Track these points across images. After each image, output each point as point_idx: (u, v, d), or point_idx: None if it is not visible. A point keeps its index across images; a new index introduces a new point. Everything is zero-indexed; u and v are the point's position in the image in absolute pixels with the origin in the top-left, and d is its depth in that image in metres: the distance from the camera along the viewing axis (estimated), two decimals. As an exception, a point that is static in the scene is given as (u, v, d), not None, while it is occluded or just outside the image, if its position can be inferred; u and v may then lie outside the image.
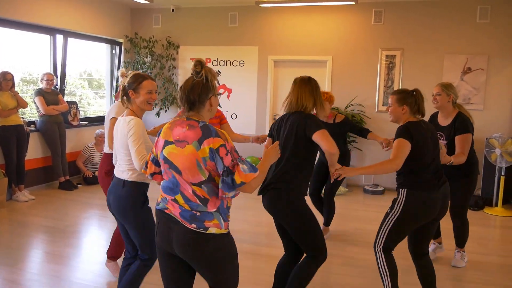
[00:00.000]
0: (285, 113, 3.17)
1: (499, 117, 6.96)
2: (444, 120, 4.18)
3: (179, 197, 2.25)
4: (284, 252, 3.35)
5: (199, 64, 2.31)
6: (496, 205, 6.33)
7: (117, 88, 8.40)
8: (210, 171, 2.21)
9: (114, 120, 3.40)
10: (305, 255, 3.14)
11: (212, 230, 2.24)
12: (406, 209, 3.08)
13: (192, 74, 2.31)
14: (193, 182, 2.22)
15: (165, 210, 2.30)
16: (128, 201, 2.94)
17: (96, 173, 6.84)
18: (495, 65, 6.91)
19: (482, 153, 6.72)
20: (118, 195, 2.96)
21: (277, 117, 3.33)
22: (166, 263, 2.40)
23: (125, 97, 2.98)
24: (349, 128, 4.92)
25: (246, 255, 4.50)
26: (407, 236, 3.28)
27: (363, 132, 4.81)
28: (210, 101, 2.30)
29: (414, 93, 3.22)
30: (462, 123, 4.00)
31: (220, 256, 2.29)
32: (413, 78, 7.24)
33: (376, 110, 7.49)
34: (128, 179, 2.94)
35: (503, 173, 6.26)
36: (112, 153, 3.25)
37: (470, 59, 6.99)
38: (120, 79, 3.30)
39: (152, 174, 2.48)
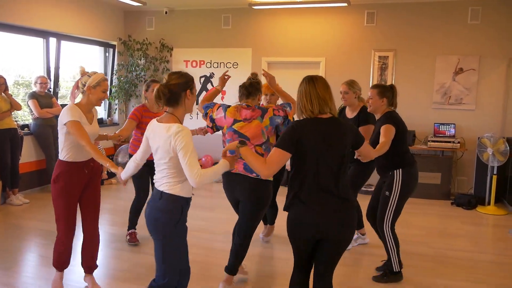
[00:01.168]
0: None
1: (490, 117, 7.02)
2: (350, 114, 4.59)
3: None
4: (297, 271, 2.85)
5: (256, 74, 3.88)
6: (489, 204, 6.38)
7: (111, 90, 8.40)
8: (268, 134, 3.49)
9: (74, 123, 3.22)
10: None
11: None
12: (404, 186, 3.72)
13: (250, 78, 3.83)
14: (257, 143, 3.46)
15: (232, 171, 3.24)
16: (163, 215, 2.65)
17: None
18: (487, 65, 6.98)
19: (475, 153, 6.80)
20: (153, 206, 2.70)
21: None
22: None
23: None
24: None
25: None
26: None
27: None
28: (259, 95, 3.72)
29: (392, 88, 3.92)
30: (365, 116, 4.40)
31: (268, 196, 3.56)
32: (406, 79, 7.29)
33: (369, 111, 7.51)
34: (167, 191, 2.65)
35: (495, 172, 6.32)
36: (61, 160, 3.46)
37: (461, 60, 7.05)
38: (79, 76, 3.39)
39: (207, 126, 3.75)
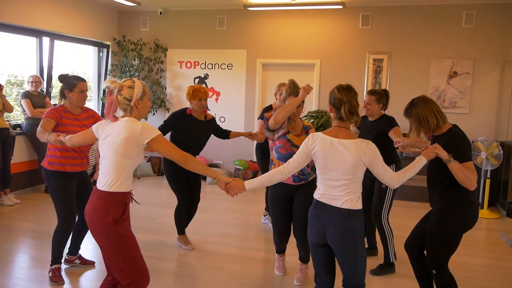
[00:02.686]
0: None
1: (484, 121, 7.05)
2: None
3: None
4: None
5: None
6: (482, 207, 6.40)
7: (104, 91, 8.35)
8: None
9: (162, 136, 2.77)
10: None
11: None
12: None
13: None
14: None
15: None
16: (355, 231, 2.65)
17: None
18: (481, 69, 7.01)
19: (468, 156, 6.80)
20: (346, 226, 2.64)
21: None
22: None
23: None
24: (214, 129, 4.72)
25: (234, 257, 4.50)
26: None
27: (226, 134, 4.71)
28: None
29: (386, 93, 4.22)
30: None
31: None
32: (400, 82, 7.31)
33: (363, 113, 7.52)
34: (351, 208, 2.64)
35: (488, 176, 6.34)
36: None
37: (456, 63, 7.07)
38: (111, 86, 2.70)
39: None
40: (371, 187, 4.20)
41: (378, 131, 4.11)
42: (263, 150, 5.26)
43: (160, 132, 2.66)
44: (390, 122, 4.14)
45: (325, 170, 2.67)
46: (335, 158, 2.62)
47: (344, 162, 2.60)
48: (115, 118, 2.67)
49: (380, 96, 4.17)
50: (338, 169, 2.62)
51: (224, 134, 4.74)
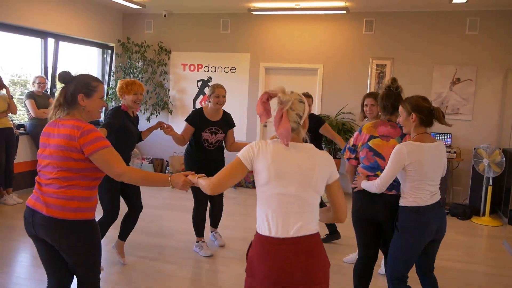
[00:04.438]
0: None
1: (487, 128, 7.04)
2: None
3: (379, 173, 3.05)
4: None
5: (395, 80, 3.33)
6: (484, 214, 6.39)
7: (108, 92, 8.38)
8: None
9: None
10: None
11: None
12: None
13: (389, 86, 3.27)
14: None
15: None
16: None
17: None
18: (484, 76, 7.01)
19: (470, 163, 6.80)
20: None
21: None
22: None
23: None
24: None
25: (234, 260, 4.51)
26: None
27: (139, 135, 4.34)
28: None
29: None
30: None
31: None
32: (403, 88, 7.26)
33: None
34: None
35: (490, 183, 6.33)
36: None
37: (459, 70, 7.08)
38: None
39: (348, 159, 3.33)
40: None
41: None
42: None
43: None
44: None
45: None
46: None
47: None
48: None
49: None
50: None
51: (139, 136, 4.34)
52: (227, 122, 4.65)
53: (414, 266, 3.10)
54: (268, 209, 2.08)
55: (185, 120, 4.56)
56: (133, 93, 4.02)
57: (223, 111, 4.66)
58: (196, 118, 4.49)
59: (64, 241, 2.38)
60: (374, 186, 2.92)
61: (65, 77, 2.47)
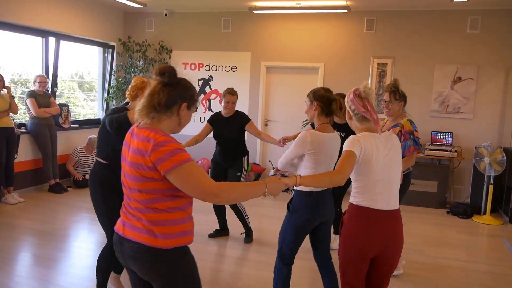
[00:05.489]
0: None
1: (488, 127, 7.04)
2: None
3: None
4: None
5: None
6: (485, 213, 6.38)
7: (109, 91, 8.39)
8: None
9: None
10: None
11: None
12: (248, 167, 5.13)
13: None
14: None
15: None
16: None
17: (87, 176, 6.82)
18: (485, 74, 7.00)
19: (471, 162, 6.80)
20: None
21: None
22: None
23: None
24: None
25: (236, 260, 4.51)
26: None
27: None
28: None
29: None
30: None
31: None
32: (404, 87, 7.22)
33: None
34: None
35: (491, 182, 6.33)
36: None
37: (460, 69, 7.07)
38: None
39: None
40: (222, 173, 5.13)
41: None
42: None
43: None
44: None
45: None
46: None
47: None
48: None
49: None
50: None
51: None
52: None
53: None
54: (376, 189, 2.48)
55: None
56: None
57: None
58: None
59: (154, 272, 2.00)
60: (279, 161, 3.14)
61: (175, 76, 2.03)
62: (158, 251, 1.93)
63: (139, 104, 1.99)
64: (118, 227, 2.06)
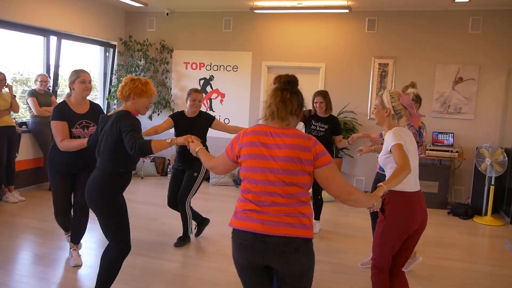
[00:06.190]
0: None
1: (489, 127, 7.03)
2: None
3: None
4: None
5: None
6: (486, 214, 6.37)
7: (110, 90, 8.39)
8: None
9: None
10: None
11: None
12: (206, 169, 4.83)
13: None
14: None
15: None
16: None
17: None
18: (486, 75, 6.99)
19: (473, 162, 6.80)
20: None
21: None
22: None
23: None
24: None
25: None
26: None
27: None
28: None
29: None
30: None
31: None
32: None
33: (368, 118, 7.54)
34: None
35: (492, 182, 6.32)
36: None
37: (461, 69, 7.06)
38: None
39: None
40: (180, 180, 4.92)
41: None
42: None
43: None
44: None
45: None
46: None
47: None
48: None
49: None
50: None
51: None
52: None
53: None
54: (414, 174, 2.94)
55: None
56: (148, 95, 3.30)
57: (90, 101, 4.33)
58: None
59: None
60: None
61: (297, 84, 2.46)
62: (307, 241, 2.20)
63: (270, 108, 2.35)
64: (248, 225, 2.22)
